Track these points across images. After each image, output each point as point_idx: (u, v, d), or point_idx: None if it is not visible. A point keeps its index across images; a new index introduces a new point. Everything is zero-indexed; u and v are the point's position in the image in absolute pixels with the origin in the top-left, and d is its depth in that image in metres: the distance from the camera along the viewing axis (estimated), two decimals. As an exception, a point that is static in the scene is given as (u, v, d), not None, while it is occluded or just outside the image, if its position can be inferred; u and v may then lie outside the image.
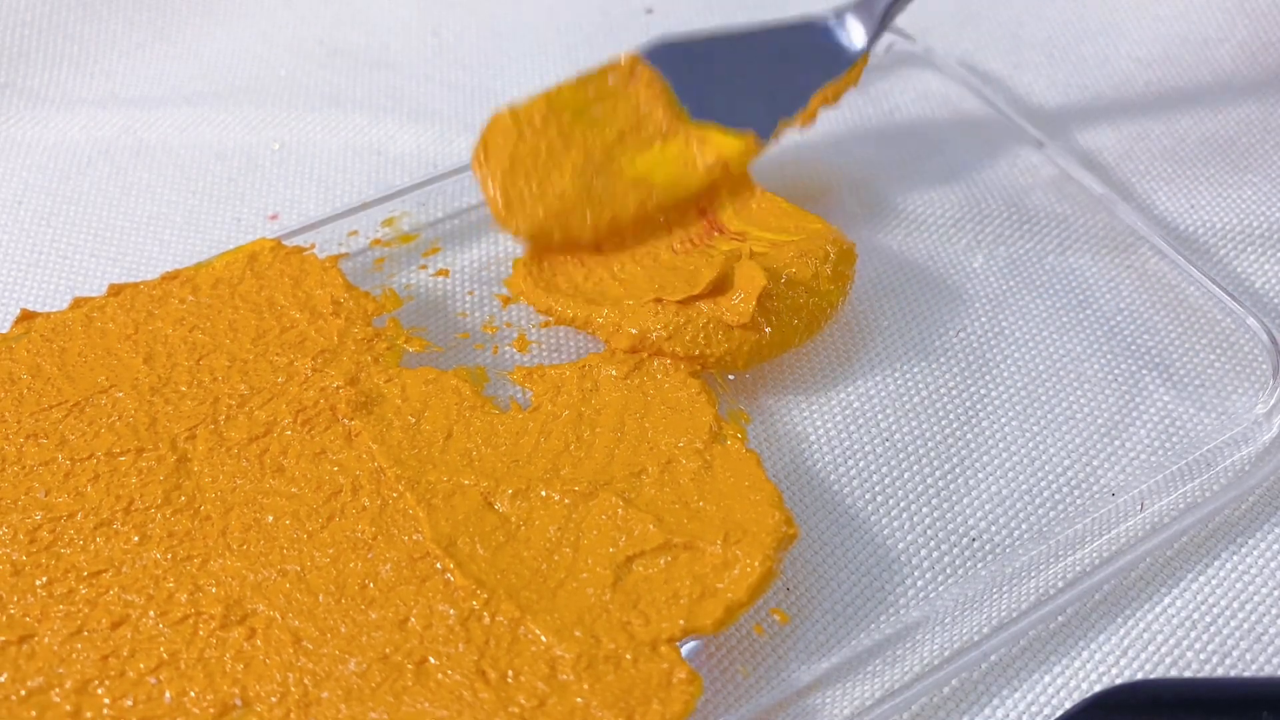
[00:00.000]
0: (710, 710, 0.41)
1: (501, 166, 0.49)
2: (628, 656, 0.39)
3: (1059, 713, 0.41)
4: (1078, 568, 0.44)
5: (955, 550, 0.45)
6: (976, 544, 0.46)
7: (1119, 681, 0.42)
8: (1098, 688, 0.42)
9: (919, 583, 0.45)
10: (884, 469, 0.47)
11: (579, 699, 0.38)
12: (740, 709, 0.41)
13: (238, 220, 0.59)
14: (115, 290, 0.49)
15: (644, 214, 0.48)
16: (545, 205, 0.48)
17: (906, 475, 0.47)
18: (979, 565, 0.45)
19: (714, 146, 0.50)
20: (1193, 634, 0.44)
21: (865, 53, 0.53)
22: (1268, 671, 0.43)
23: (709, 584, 0.40)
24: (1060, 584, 0.44)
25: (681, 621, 0.40)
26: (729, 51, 0.53)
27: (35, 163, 0.61)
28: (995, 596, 0.44)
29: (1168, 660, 0.43)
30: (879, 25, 0.53)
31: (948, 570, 0.45)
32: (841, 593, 0.44)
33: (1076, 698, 0.42)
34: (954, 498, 0.47)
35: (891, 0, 0.53)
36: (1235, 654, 0.43)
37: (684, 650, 0.40)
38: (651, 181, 0.49)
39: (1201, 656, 0.43)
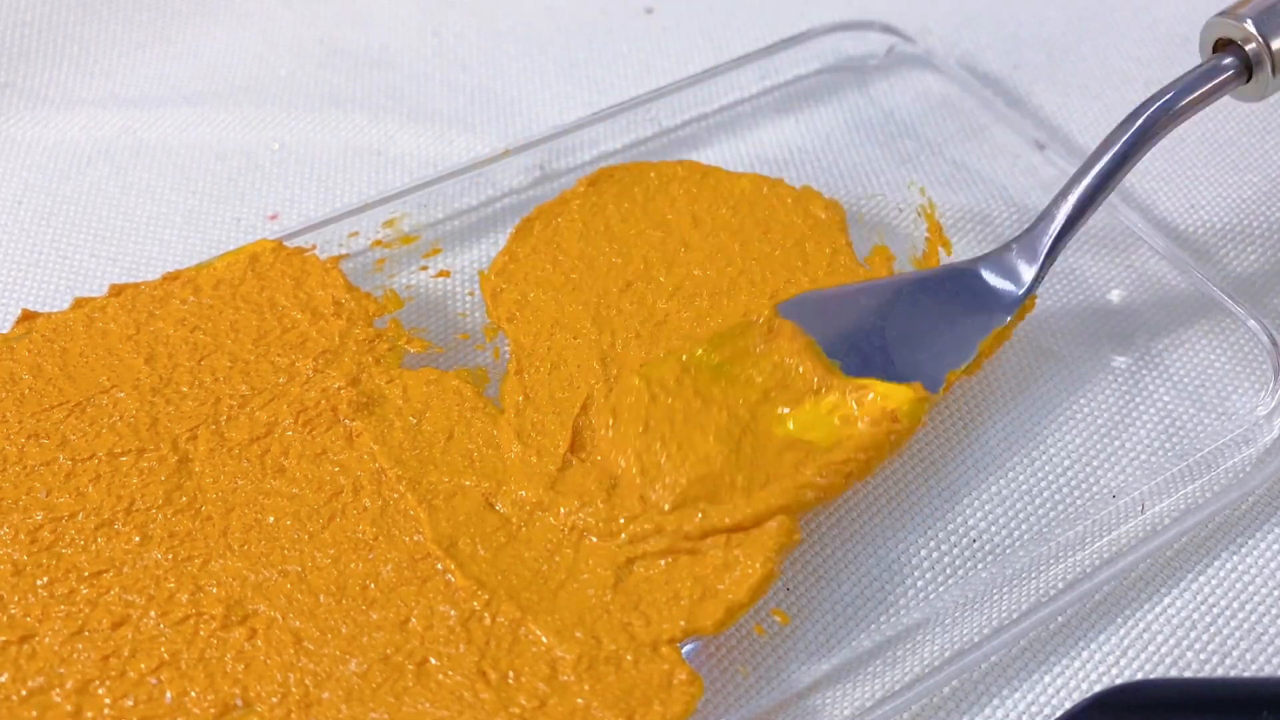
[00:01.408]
0: (711, 711, 0.41)
1: (634, 431, 0.45)
2: (628, 657, 0.39)
3: (1059, 713, 0.41)
4: (1078, 569, 0.44)
5: (955, 551, 0.45)
6: (976, 544, 0.46)
7: (1119, 681, 0.42)
8: (1098, 688, 0.42)
9: (919, 584, 0.45)
10: (884, 469, 0.47)
11: (580, 700, 0.38)
12: (741, 709, 0.41)
13: (238, 220, 0.59)
14: (116, 290, 0.49)
15: (801, 478, 0.44)
16: (688, 473, 0.44)
17: (906, 476, 0.47)
18: (979, 566, 0.45)
19: (878, 399, 0.45)
20: (1193, 634, 0.44)
21: (1031, 295, 0.49)
22: (1268, 671, 0.43)
23: (710, 585, 0.40)
24: (1060, 585, 0.44)
25: (682, 622, 0.40)
26: (874, 301, 0.49)
27: (35, 162, 0.61)
28: (995, 598, 0.44)
29: (1168, 660, 0.43)
30: (1043, 263, 0.49)
31: (948, 571, 0.45)
32: (842, 593, 0.44)
33: (1077, 698, 0.42)
34: (954, 498, 0.47)
35: (1057, 235, 0.48)
36: (1235, 654, 0.43)
37: (685, 651, 0.40)
38: (807, 441, 0.45)
39: (1201, 657, 0.43)
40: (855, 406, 0.45)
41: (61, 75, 0.66)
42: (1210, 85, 0.48)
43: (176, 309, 0.48)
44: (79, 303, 0.49)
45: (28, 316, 0.48)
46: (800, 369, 0.46)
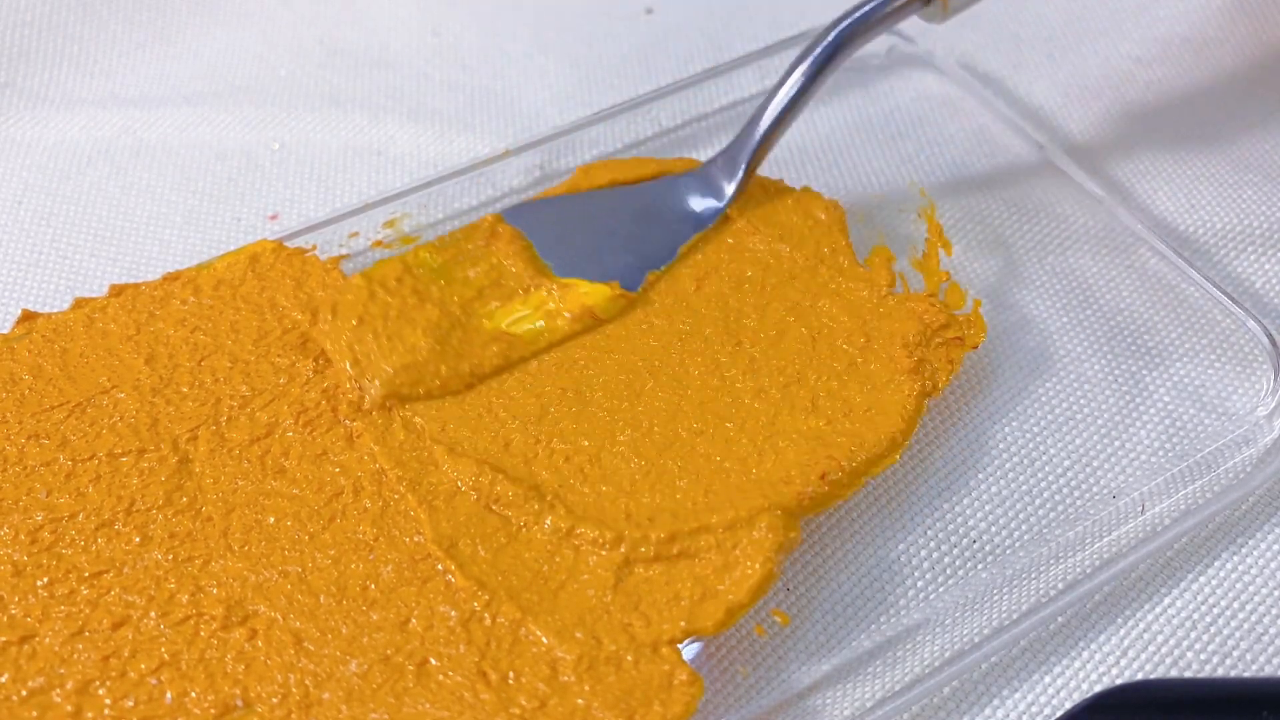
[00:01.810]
0: (711, 711, 0.41)
1: (348, 325, 0.48)
2: (629, 658, 0.39)
3: (1059, 713, 0.41)
4: (1078, 570, 0.44)
5: (955, 552, 0.45)
6: (976, 545, 0.46)
7: (1119, 682, 0.43)
8: (1098, 688, 0.42)
9: (919, 584, 0.45)
10: (883, 470, 0.47)
11: (580, 700, 0.38)
12: (741, 710, 0.41)
13: (238, 220, 0.59)
14: (117, 291, 0.49)
15: (508, 366, 0.48)
16: (394, 360, 0.47)
17: (906, 476, 0.47)
18: (979, 567, 0.45)
19: (578, 296, 0.49)
20: (1193, 634, 0.44)
21: (729, 204, 0.53)
22: (1268, 671, 0.43)
23: (710, 585, 0.41)
24: (1060, 586, 0.44)
25: (682, 623, 0.40)
26: (591, 209, 0.53)
27: (35, 162, 0.61)
28: (995, 598, 0.44)
29: (1168, 660, 0.43)
30: (744, 176, 0.53)
31: (948, 572, 0.45)
32: (842, 594, 0.44)
33: (1077, 698, 0.42)
34: (954, 499, 0.47)
35: (753, 151, 0.52)
36: (1235, 654, 0.43)
37: (685, 651, 0.40)
38: (513, 334, 0.48)
39: (1202, 657, 0.43)
40: (559, 302, 0.49)
41: (61, 75, 0.66)
42: (895, 6, 0.51)
43: (177, 309, 0.49)
44: (79, 303, 0.49)
45: (28, 317, 0.48)
46: (514, 268, 0.50)
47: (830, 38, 0.51)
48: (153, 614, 0.40)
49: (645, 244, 0.52)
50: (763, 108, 0.52)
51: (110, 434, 0.45)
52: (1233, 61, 0.66)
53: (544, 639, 0.39)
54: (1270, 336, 0.50)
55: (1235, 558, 0.46)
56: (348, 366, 0.47)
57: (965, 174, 0.59)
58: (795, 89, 0.51)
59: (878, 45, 0.63)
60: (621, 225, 0.53)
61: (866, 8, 0.51)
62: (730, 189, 0.53)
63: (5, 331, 0.48)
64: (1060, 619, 0.44)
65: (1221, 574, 0.45)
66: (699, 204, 0.53)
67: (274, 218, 0.59)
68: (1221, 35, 0.67)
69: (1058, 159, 0.58)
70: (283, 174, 0.61)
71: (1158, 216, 0.57)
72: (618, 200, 0.54)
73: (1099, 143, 0.61)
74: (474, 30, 0.70)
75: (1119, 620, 0.44)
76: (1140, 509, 0.46)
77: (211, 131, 0.63)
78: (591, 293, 0.49)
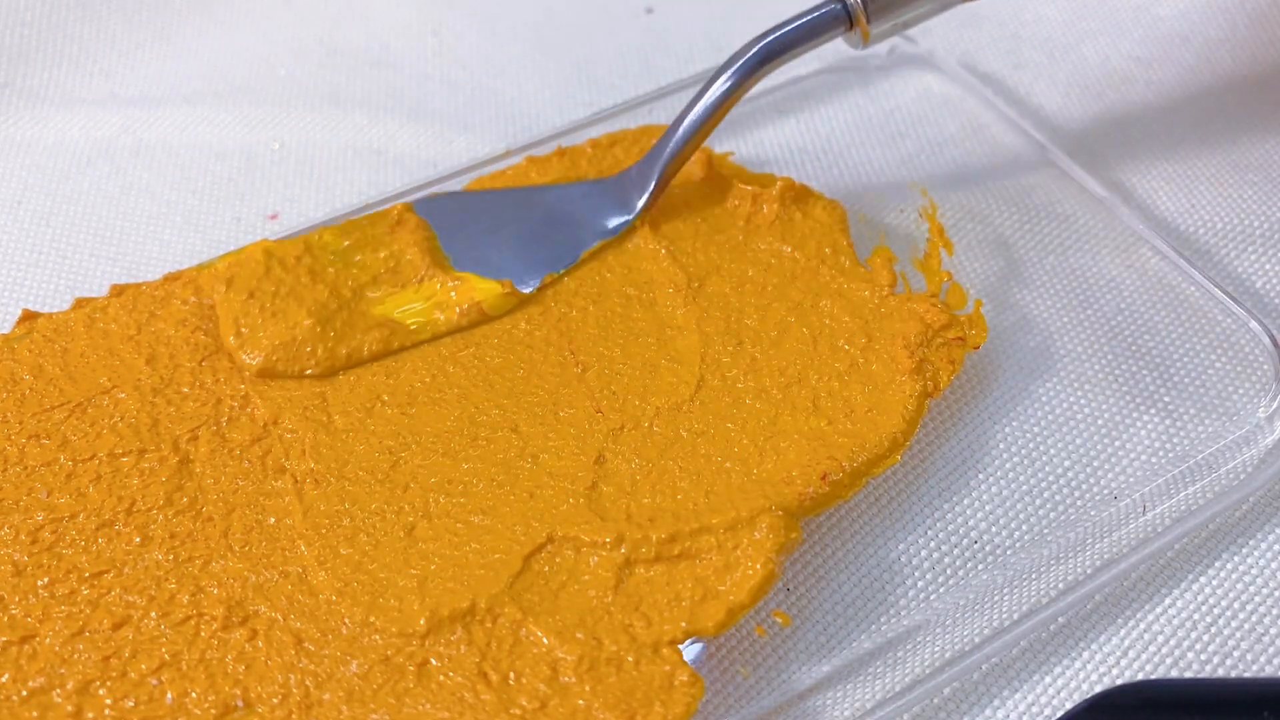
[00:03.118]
0: (712, 712, 0.41)
1: (240, 297, 0.48)
2: (629, 658, 0.39)
3: (1059, 713, 0.41)
4: (1078, 571, 0.44)
5: (955, 552, 0.45)
6: (976, 546, 0.46)
7: (1120, 682, 0.43)
8: (1098, 688, 0.42)
9: (920, 585, 0.45)
10: (884, 470, 0.47)
11: (581, 701, 0.38)
12: (742, 710, 0.41)
13: (238, 220, 0.59)
14: (117, 291, 0.49)
15: (387, 352, 0.48)
16: (272, 336, 0.47)
17: (906, 477, 0.47)
18: (979, 568, 0.45)
19: (469, 290, 0.49)
20: (1193, 634, 0.44)
21: (637, 217, 0.53)
22: (1269, 672, 0.43)
23: (711, 586, 0.40)
24: (1061, 587, 0.44)
25: (683, 623, 0.40)
26: (502, 207, 0.54)
27: (34, 162, 0.61)
28: (995, 600, 0.44)
29: (1168, 661, 0.43)
30: (655, 189, 0.53)
31: (948, 572, 0.45)
32: (842, 594, 0.44)
33: (1077, 698, 0.42)
34: (954, 499, 0.47)
35: (666, 162, 0.52)
36: (1236, 654, 0.43)
37: (686, 652, 0.40)
38: (397, 322, 0.49)
39: (1202, 657, 0.43)
40: (452, 295, 0.49)
41: (61, 75, 0.66)
42: (817, 27, 0.51)
43: (177, 309, 0.49)
44: (80, 303, 0.49)
45: (29, 317, 0.48)
46: (412, 258, 0.50)
47: (752, 53, 0.51)
48: (153, 614, 0.40)
49: (548, 246, 0.52)
50: (678, 121, 0.52)
51: (111, 434, 0.45)
52: (1233, 61, 0.66)
53: (544, 639, 0.39)
54: (1272, 337, 0.50)
55: (1236, 558, 0.46)
56: (231, 337, 0.47)
57: (966, 174, 0.59)
58: (712, 103, 0.51)
59: (879, 45, 0.63)
60: (528, 226, 0.53)
61: (789, 29, 0.51)
62: (640, 202, 0.53)
63: (6, 331, 0.48)
64: (1060, 619, 0.44)
65: (1222, 574, 0.45)
66: (607, 214, 0.53)
67: (274, 218, 0.59)
68: (1221, 35, 0.67)
69: (1058, 159, 0.58)
70: (283, 174, 0.61)
71: (1158, 216, 0.57)
72: (529, 200, 0.54)
73: (1099, 143, 0.61)
74: (474, 30, 0.70)
75: (1119, 620, 0.44)
76: (1141, 510, 0.46)
77: (211, 131, 0.63)
78: (482, 289, 0.50)
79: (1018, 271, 0.55)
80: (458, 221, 0.52)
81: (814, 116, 0.63)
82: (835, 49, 0.59)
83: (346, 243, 0.51)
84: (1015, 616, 0.43)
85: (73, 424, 0.45)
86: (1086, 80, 0.65)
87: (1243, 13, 0.67)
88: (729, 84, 0.51)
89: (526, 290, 0.50)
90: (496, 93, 0.66)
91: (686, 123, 0.52)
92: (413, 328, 0.49)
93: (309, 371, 0.47)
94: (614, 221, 0.53)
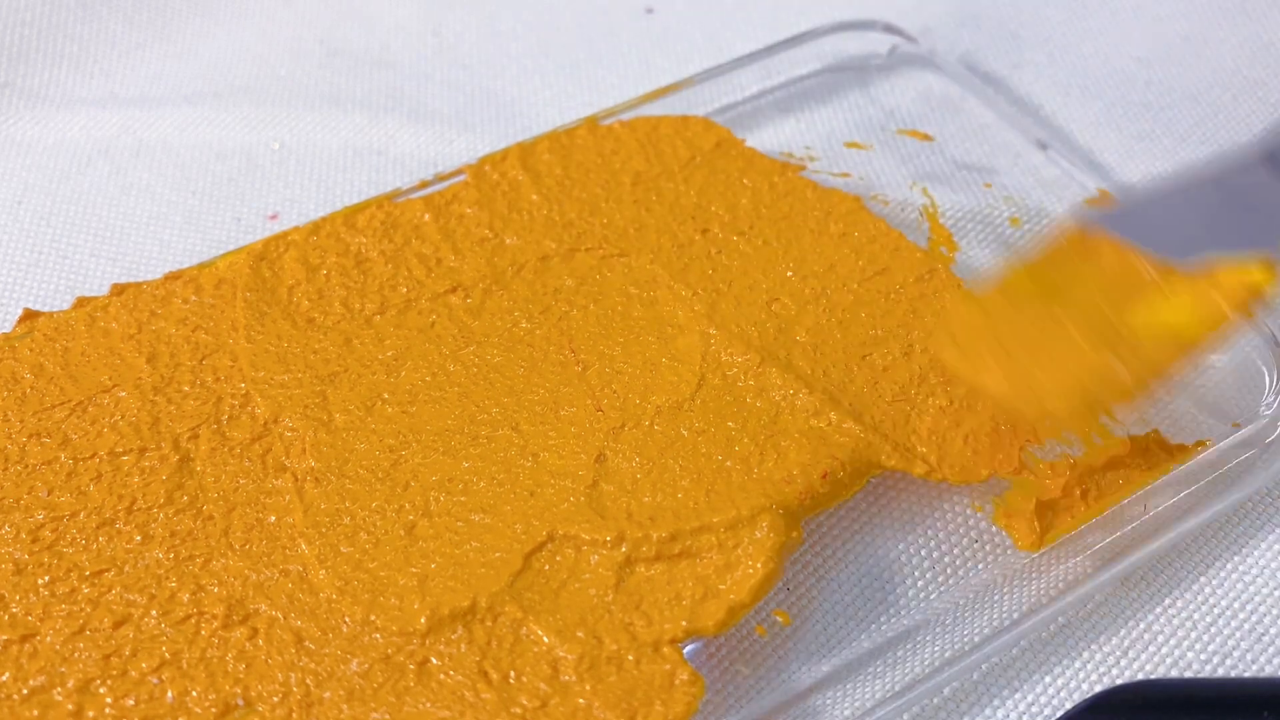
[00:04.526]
0: (712, 711, 0.41)
1: (994, 356, 0.44)
2: (630, 657, 0.39)
3: (1059, 713, 0.41)
4: (1079, 569, 0.44)
5: (955, 552, 0.45)
6: (977, 545, 0.46)
7: (1120, 682, 0.43)
8: (1099, 688, 0.42)
9: (920, 584, 0.45)
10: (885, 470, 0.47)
11: (581, 700, 0.38)
12: (742, 709, 0.41)
13: (238, 220, 0.59)
14: (118, 290, 0.49)
15: (1182, 367, 0.42)
16: (1063, 382, 0.42)
17: (907, 476, 0.47)
18: (979, 568, 0.45)
19: (1230, 279, 0.42)
20: (1194, 634, 0.44)
21: None
22: (1269, 672, 0.43)
23: (711, 585, 0.41)
24: (1061, 585, 0.43)
25: (684, 622, 0.40)
26: (1176, 199, 0.44)
27: (35, 162, 0.61)
28: (995, 599, 0.44)
29: (1169, 660, 0.43)
30: None
31: (948, 572, 0.45)
32: (843, 593, 0.44)
33: (1078, 698, 0.42)
34: (955, 498, 0.47)
35: None
36: (1236, 654, 0.43)
37: (686, 651, 0.40)
38: (1170, 325, 0.42)
39: (1202, 657, 0.43)
40: (1211, 290, 0.42)
41: (61, 75, 0.66)
42: None
43: (178, 308, 0.49)
44: (80, 302, 0.49)
45: (29, 316, 0.48)
46: (1132, 268, 0.43)
47: None
48: (154, 613, 0.40)
49: (1257, 220, 0.43)
50: None
51: (111, 433, 0.45)
52: (1233, 61, 0.66)
53: (545, 638, 0.39)
54: (1272, 336, 0.50)
55: (1236, 558, 0.46)
56: (1012, 398, 0.43)
57: (967, 173, 0.59)
58: None
59: (880, 45, 0.63)
60: (1215, 210, 0.43)
61: None
62: None
63: (7, 330, 0.48)
64: (1061, 619, 0.44)
65: (1222, 574, 0.45)
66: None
67: (274, 218, 0.59)
68: (1221, 35, 0.67)
69: (1058, 159, 0.58)
70: (283, 174, 0.61)
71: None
72: (1200, 186, 0.44)
73: (1099, 142, 0.62)
74: (474, 30, 0.70)
75: (1119, 620, 0.44)
76: (1143, 508, 0.46)
77: (211, 131, 0.63)
78: (1246, 273, 0.41)
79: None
80: (1140, 226, 0.44)
81: (815, 116, 0.63)
82: (836, 48, 0.59)
83: (1049, 280, 0.44)
84: (1015, 616, 0.43)
85: (73, 422, 0.45)
86: (1086, 80, 0.65)
87: (1243, 13, 0.68)
88: None
89: None
90: (496, 93, 0.66)
91: None
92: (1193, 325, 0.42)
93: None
94: None
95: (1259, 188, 0.42)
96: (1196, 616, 0.44)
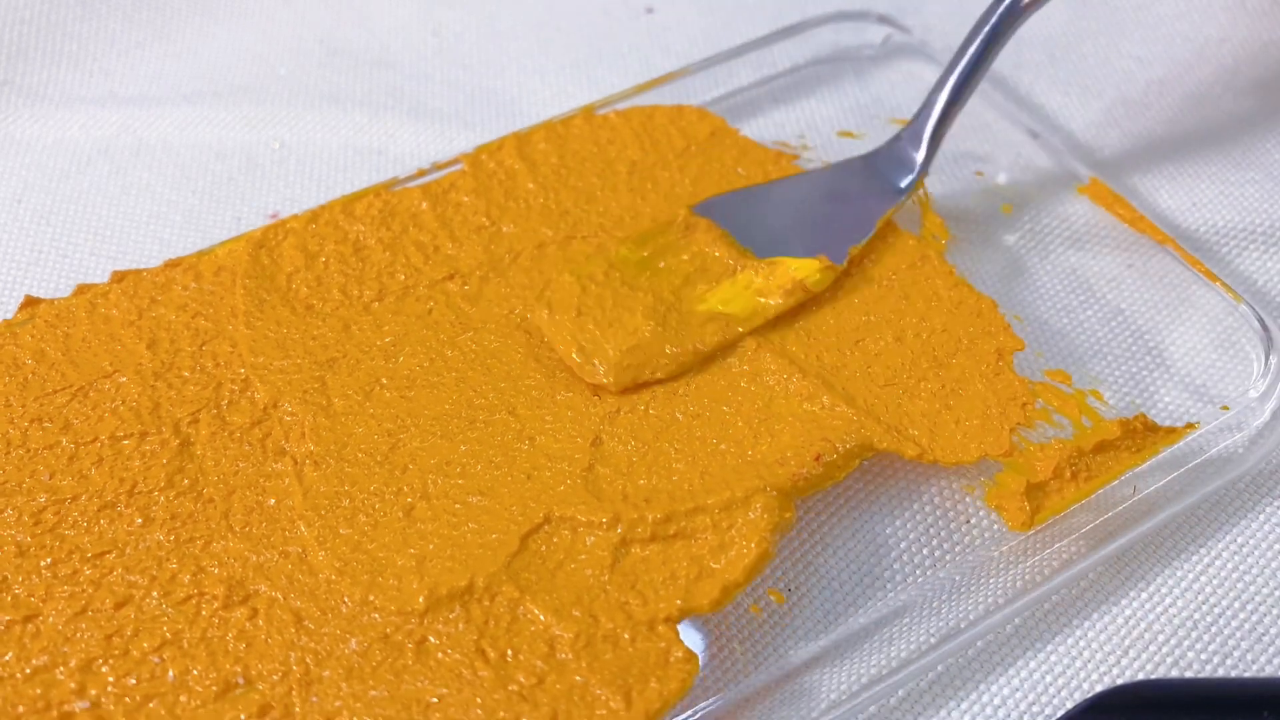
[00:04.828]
0: (707, 688, 0.41)
1: (568, 318, 0.48)
2: (626, 635, 0.39)
3: (1059, 713, 0.41)
4: (1070, 551, 0.44)
5: (947, 532, 0.46)
6: (969, 525, 0.46)
7: (1120, 682, 0.43)
8: (1099, 688, 0.42)
9: (913, 564, 0.45)
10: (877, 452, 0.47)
11: (577, 677, 0.38)
12: (737, 687, 0.41)
13: (238, 219, 0.59)
14: (119, 277, 0.50)
15: (726, 344, 0.48)
16: (618, 344, 0.47)
17: (900, 458, 0.47)
18: (973, 547, 0.45)
19: (787, 271, 0.50)
20: (1194, 634, 0.44)
21: (922, 175, 0.54)
22: (1269, 671, 0.43)
23: (706, 565, 0.41)
24: (1055, 565, 0.44)
25: (679, 601, 0.40)
26: (779, 196, 0.54)
27: (34, 161, 0.61)
28: (988, 579, 0.44)
29: (1169, 660, 0.43)
30: (929, 146, 0.54)
31: (940, 551, 0.45)
32: (837, 573, 0.45)
33: (1077, 698, 0.42)
34: (947, 480, 0.47)
35: (937, 121, 0.54)
36: (1236, 654, 0.44)
37: (681, 630, 0.40)
38: (728, 314, 0.49)
39: (1203, 657, 0.43)
40: (768, 280, 0.49)
41: (61, 74, 0.66)
42: None
43: (178, 295, 0.49)
44: (81, 289, 0.49)
45: (31, 302, 0.49)
46: (717, 254, 0.50)
47: (994, 20, 0.52)
48: (155, 594, 0.41)
49: (841, 220, 0.52)
50: (939, 84, 0.54)
51: (112, 417, 0.45)
52: (1233, 61, 0.66)
53: (542, 617, 0.40)
54: (1260, 319, 0.50)
55: (1236, 558, 0.46)
56: (574, 355, 0.47)
57: (961, 164, 0.59)
58: (968, 66, 0.53)
59: (873, 36, 0.63)
60: (813, 207, 0.53)
61: None
62: (918, 161, 0.54)
63: (8, 318, 0.48)
64: (1061, 619, 0.44)
65: (1223, 574, 0.45)
66: (891, 177, 0.54)
67: (274, 217, 0.59)
68: (1221, 35, 0.67)
69: (1057, 156, 0.58)
70: (283, 173, 0.61)
71: (1158, 213, 0.58)
72: (803, 186, 0.54)
73: (1099, 142, 0.62)
74: (474, 30, 0.70)
75: (1119, 620, 0.44)
76: (1132, 490, 0.46)
77: (211, 131, 0.63)
78: (800, 267, 0.50)
79: (1016, 267, 0.55)
80: (742, 217, 0.52)
81: (809, 107, 0.63)
82: (830, 39, 0.59)
83: (645, 253, 0.51)
84: (1008, 596, 0.43)
85: (75, 407, 0.45)
86: (1086, 80, 0.66)
87: (1243, 12, 0.68)
88: (980, 48, 0.53)
89: (840, 264, 0.50)
90: (496, 93, 0.66)
91: (950, 84, 0.54)
92: (742, 316, 0.49)
93: (659, 375, 0.47)
94: (903, 181, 0.54)
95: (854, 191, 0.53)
96: (1196, 616, 0.44)
